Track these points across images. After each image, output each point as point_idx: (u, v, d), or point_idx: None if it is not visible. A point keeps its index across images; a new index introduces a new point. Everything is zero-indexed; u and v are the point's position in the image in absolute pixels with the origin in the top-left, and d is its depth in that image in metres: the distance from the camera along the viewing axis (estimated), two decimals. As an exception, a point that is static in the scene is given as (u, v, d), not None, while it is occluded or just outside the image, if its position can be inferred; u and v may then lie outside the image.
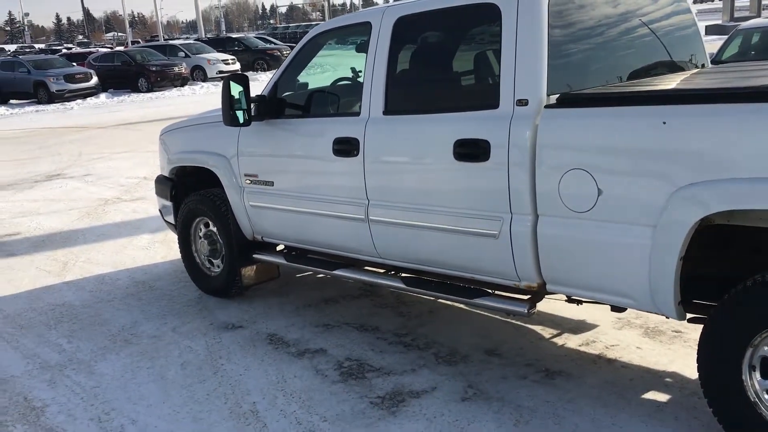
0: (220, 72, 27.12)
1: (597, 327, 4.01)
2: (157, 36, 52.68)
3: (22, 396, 3.74)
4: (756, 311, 2.59)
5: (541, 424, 3.08)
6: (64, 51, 42.84)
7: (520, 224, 3.15)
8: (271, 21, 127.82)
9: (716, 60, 9.41)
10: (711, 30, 26.84)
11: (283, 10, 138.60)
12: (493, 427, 3.08)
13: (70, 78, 24.39)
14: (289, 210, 4.28)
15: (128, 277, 5.65)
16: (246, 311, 4.71)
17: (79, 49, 45.98)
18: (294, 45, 4.52)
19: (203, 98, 21.47)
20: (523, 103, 3.11)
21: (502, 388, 3.42)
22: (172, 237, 6.12)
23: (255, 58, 30.94)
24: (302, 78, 4.57)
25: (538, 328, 4.08)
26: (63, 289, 5.45)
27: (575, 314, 4.14)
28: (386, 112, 3.70)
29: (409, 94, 3.77)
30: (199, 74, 28.11)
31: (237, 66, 28.01)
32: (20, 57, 30.25)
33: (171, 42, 35.07)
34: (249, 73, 26.63)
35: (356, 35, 4.19)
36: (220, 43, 32.54)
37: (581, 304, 3.46)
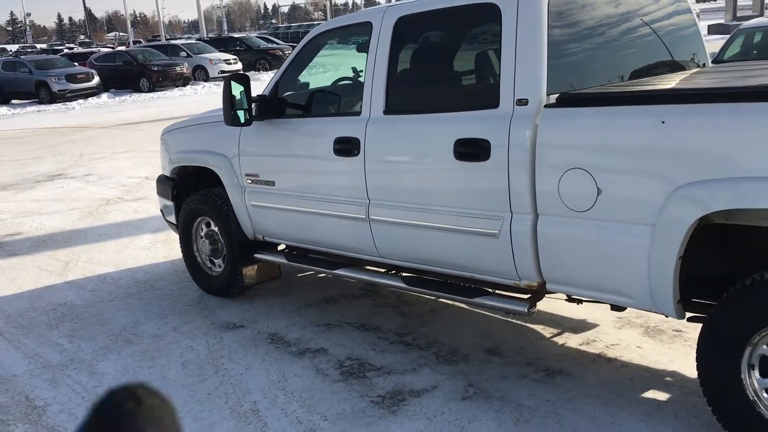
0: (222, 72, 27.12)
1: (597, 326, 4.02)
2: (159, 36, 52.72)
3: (23, 395, 3.75)
4: (755, 310, 2.59)
5: (541, 423, 3.09)
6: (66, 51, 42.90)
7: (520, 223, 3.15)
8: (273, 21, 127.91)
9: (718, 59, 9.40)
10: (713, 29, 26.82)
11: (285, 9, 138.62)
12: (493, 426, 3.09)
13: (71, 78, 24.41)
14: (290, 210, 4.29)
15: (130, 276, 5.66)
16: (247, 311, 4.72)
17: (80, 49, 46.04)
18: (296, 45, 4.52)
19: (205, 98, 21.48)
20: (523, 102, 3.12)
21: (503, 387, 3.42)
22: (174, 237, 6.13)
23: (257, 58, 30.96)
24: (303, 78, 4.58)
25: (538, 328, 4.08)
26: (64, 288, 5.47)
27: (576, 313, 4.15)
28: (387, 112, 3.70)
29: (409, 94, 3.78)
30: (200, 74, 28.13)
31: (239, 66, 28.02)
32: (22, 57, 30.28)
33: (173, 42, 35.11)
34: (251, 73, 26.64)
35: (357, 35, 4.20)
36: (221, 43, 32.55)
37: (581, 303, 3.47)
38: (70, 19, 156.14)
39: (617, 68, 3.53)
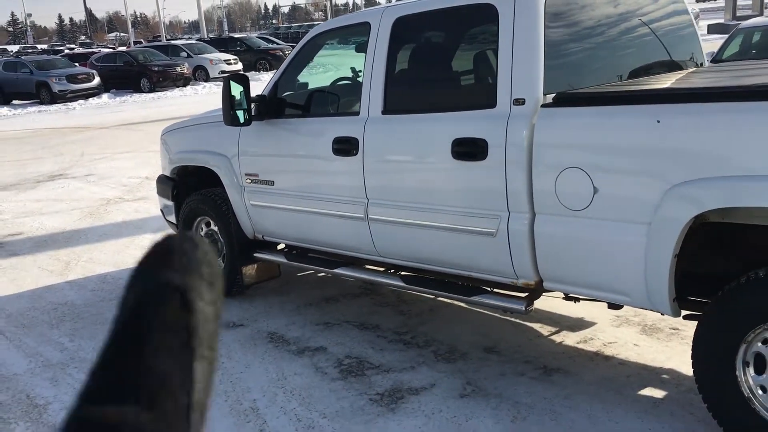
0: (223, 72, 27.13)
1: (595, 324, 4.04)
2: (160, 36, 52.78)
3: (24, 394, 3.78)
4: (749, 307, 2.62)
5: (538, 420, 3.11)
6: (67, 51, 42.95)
7: (518, 222, 3.17)
8: (274, 21, 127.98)
9: (716, 59, 9.41)
10: (713, 29, 26.83)
11: (286, 10, 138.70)
12: (490, 423, 3.11)
13: (72, 78, 24.43)
14: (289, 209, 4.32)
15: (130, 276, 5.68)
16: (247, 310, 4.74)
17: (81, 50, 46.09)
18: (296, 45, 4.55)
19: (205, 98, 21.51)
20: (520, 102, 3.14)
21: (500, 385, 3.45)
22: (174, 236, 6.14)
23: (257, 58, 30.98)
24: (302, 78, 4.60)
25: (536, 326, 4.10)
26: (65, 288, 5.49)
27: (573, 312, 4.17)
28: (385, 112, 3.73)
29: (407, 94, 3.80)
30: (201, 74, 28.14)
31: (239, 66, 28.04)
32: (23, 57, 30.32)
33: (173, 42, 35.13)
34: (251, 73, 26.66)
35: (355, 35, 4.22)
36: (222, 43, 32.57)
37: (578, 301, 3.49)
38: (71, 19, 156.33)
39: (614, 68, 3.56)
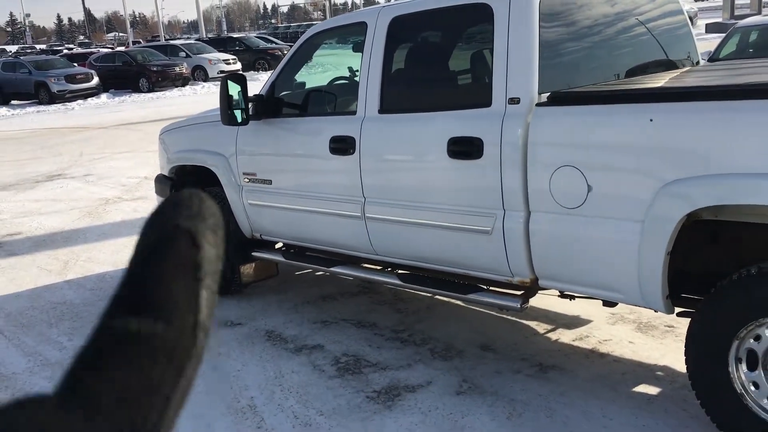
0: (221, 72, 27.11)
1: (591, 322, 4.06)
2: (158, 36, 52.79)
3: (23, 392, 3.79)
4: (742, 304, 2.64)
5: (533, 416, 3.14)
6: (65, 51, 42.93)
7: (513, 220, 3.20)
8: (273, 21, 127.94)
9: (713, 58, 9.43)
10: (711, 28, 26.85)
11: (285, 9, 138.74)
12: (486, 420, 3.14)
13: (71, 78, 24.45)
14: (287, 208, 4.34)
15: (129, 275, 5.70)
16: (245, 308, 4.77)
17: (80, 50, 46.08)
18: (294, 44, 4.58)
19: (204, 98, 21.52)
20: (515, 101, 3.16)
21: (496, 382, 3.47)
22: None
23: (256, 58, 30.99)
24: (299, 77, 4.62)
25: (533, 324, 4.13)
26: (64, 287, 5.51)
27: (569, 310, 4.20)
28: (382, 111, 3.75)
29: (403, 93, 3.82)
30: (200, 74, 28.16)
31: (238, 66, 28.06)
32: (21, 58, 30.33)
33: (172, 42, 35.13)
34: (250, 73, 26.67)
35: (352, 35, 4.25)
36: (221, 43, 32.58)
37: (573, 299, 3.51)
38: (70, 19, 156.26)
39: (609, 67, 3.58)
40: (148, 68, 26.17)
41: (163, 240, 0.31)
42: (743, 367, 2.70)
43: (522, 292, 3.41)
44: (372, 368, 3.74)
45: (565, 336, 3.93)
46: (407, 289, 4.22)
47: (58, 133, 16.17)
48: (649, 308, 2.92)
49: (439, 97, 3.69)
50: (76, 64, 27.23)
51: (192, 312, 0.30)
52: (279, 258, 4.62)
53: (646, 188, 2.73)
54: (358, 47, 4.01)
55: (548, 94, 3.11)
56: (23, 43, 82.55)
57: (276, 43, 34.20)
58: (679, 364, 3.43)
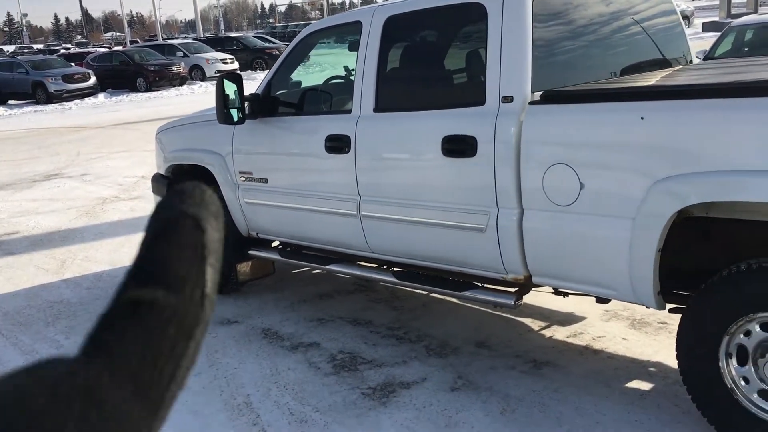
0: (219, 71, 27.13)
1: (585, 319, 4.09)
2: (156, 36, 52.75)
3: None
4: (732, 300, 2.67)
5: (526, 412, 3.16)
6: (63, 51, 42.89)
7: (506, 218, 3.22)
8: (270, 20, 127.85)
9: (709, 57, 9.46)
10: (708, 27, 26.91)
11: (282, 9, 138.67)
12: (480, 416, 3.16)
13: (68, 78, 24.44)
14: (283, 206, 4.36)
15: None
16: (241, 307, 4.79)
17: (77, 49, 46.03)
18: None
19: (201, 98, 21.52)
20: (508, 99, 3.19)
21: (491, 379, 3.50)
22: (169, 235, 6.19)
23: (253, 57, 30.98)
24: (295, 77, 4.65)
25: (527, 321, 4.16)
26: (61, 286, 5.53)
27: (564, 307, 4.22)
28: (377, 110, 3.77)
29: (398, 92, 3.85)
30: (197, 74, 28.16)
31: (235, 65, 28.05)
32: (18, 57, 30.30)
33: (169, 41, 35.11)
34: (248, 72, 26.69)
35: (347, 34, 4.27)
36: (218, 43, 32.58)
37: (567, 296, 3.54)
38: (67, 19, 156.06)
39: (602, 66, 3.61)
40: (146, 68, 26.17)
41: (171, 223, 0.34)
42: (733, 362, 2.73)
43: (516, 289, 3.43)
44: (367, 365, 3.77)
45: (559, 333, 3.96)
46: (403, 287, 4.25)
47: (55, 133, 16.17)
48: (641, 304, 2.95)
49: (433, 96, 3.71)
50: (73, 64, 27.21)
51: (199, 286, 0.33)
52: (275, 256, 4.65)
53: (638, 186, 2.75)
54: (354, 46, 4.03)
55: (541, 92, 3.13)
56: (20, 43, 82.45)
57: (273, 43, 34.20)
58: (672, 361, 3.44)
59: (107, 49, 37.65)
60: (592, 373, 3.47)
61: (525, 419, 3.11)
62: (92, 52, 32.94)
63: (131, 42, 51.17)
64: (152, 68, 26.18)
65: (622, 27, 3.77)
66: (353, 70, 4.00)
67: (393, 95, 3.81)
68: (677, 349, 2.87)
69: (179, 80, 26.48)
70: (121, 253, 6.33)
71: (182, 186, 0.35)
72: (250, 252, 4.77)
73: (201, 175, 4.91)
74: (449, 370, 3.62)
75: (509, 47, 3.21)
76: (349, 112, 3.91)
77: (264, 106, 4.36)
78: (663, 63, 3.95)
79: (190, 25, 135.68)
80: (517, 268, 3.28)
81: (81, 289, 5.43)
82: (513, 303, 3.37)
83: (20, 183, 10.30)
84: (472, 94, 3.40)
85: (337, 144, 3.90)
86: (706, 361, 2.76)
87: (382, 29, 3.79)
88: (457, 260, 3.54)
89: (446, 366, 3.68)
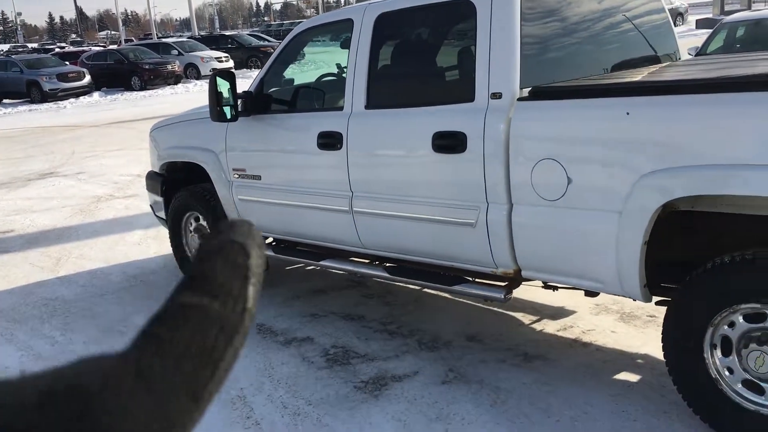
0: (214, 70, 27.07)
1: (575, 313, 4.14)
2: (151, 34, 52.62)
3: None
4: (716, 292, 2.72)
5: (516, 404, 3.21)
6: (57, 50, 42.78)
7: (496, 213, 3.27)
8: (266, 18, 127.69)
9: (701, 53, 9.52)
10: (701, 24, 26.98)
11: (278, 7, 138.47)
12: (470, 408, 3.21)
13: (62, 77, 24.40)
14: (276, 203, 4.40)
15: (120, 272, 5.76)
16: (236, 303, 4.81)
17: (72, 48, 45.92)
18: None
19: (196, 96, 21.51)
20: (497, 96, 3.23)
21: (482, 372, 3.54)
22: (165, 233, 6.21)
23: (248, 56, 30.97)
24: (288, 74, 4.68)
25: (518, 315, 4.20)
26: (56, 284, 5.56)
27: (554, 301, 4.27)
28: (368, 107, 3.81)
29: (389, 89, 3.89)
30: (192, 72, 28.14)
31: (230, 63, 28.02)
32: (13, 56, 30.23)
33: (164, 40, 35.07)
34: (243, 71, 26.68)
35: (339, 32, 4.30)
36: (213, 41, 32.56)
37: (557, 290, 3.58)
38: (61, 18, 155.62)
39: (590, 63, 3.65)
40: (141, 66, 26.14)
41: (222, 246, 0.39)
42: (718, 353, 2.78)
43: (506, 283, 3.48)
44: (360, 359, 3.81)
45: (549, 326, 4.01)
46: (395, 282, 4.29)
47: (50, 132, 16.17)
48: (628, 297, 3.00)
49: (424, 93, 3.75)
50: (67, 63, 27.17)
51: (241, 300, 0.38)
52: (269, 253, 4.68)
53: (624, 180, 2.80)
54: (346, 44, 4.06)
55: (529, 89, 3.17)
56: (15, 42, 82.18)
57: (268, 41, 34.18)
58: (660, 352, 3.47)
59: (102, 48, 37.59)
60: (581, 365, 3.52)
61: (515, 411, 3.16)
62: (87, 51, 32.87)
63: (126, 40, 51.09)
64: (147, 67, 26.16)
65: (610, 24, 3.81)
66: (345, 67, 4.03)
67: (384, 92, 3.84)
68: (663, 341, 2.92)
69: (174, 79, 26.47)
70: (116, 250, 6.35)
71: (233, 220, 0.41)
72: (244, 248, 4.79)
73: (195, 172, 4.95)
74: (441, 364, 3.67)
75: (498, 44, 3.25)
76: (341, 109, 3.94)
77: (257, 103, 4.39)
78: (651, 60, 4.00)
79: (185, 24, 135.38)
80: (506, 262, 3.32)
81: (76, 286, 5.46)
82: (503, 297, 3.41)
83: (15, 182, 10.32)
84: (462, 90, 3.44)
85: (329, 141, 3.93)
86: (691, 352, 2.80)
87: (373, 27, 3.82)
88: (448, 255, 3.58)
89: (438, 359, 3.72)
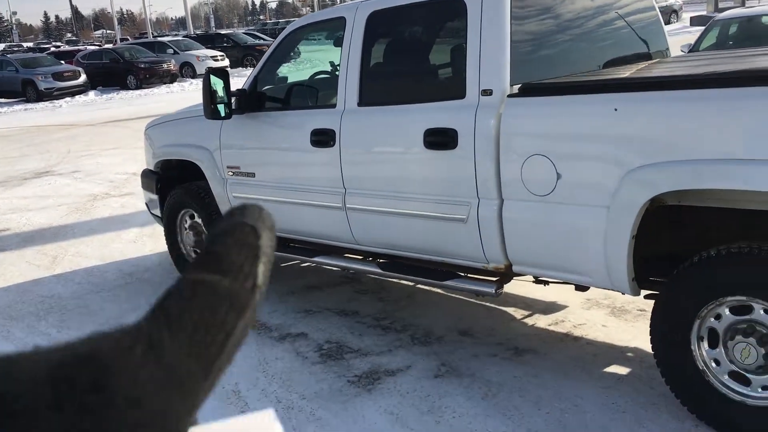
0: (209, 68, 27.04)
1: (566, 307, 4.18)
2: (146, 33, 52.57)
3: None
4: (702, 285, 2.76)
5: (507, 396, 3.25)
6: (53, 49, 42.69)
7: (487, 208, 3.31)
8: (261, 17, 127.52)
9: (693, 50, 9.57)
10: (696, 21, 27.03)
11: (273, 5, 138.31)
12: (462, 401, 3.25)
13: (58, 76, 24.38)
14: (270, 200, 4.42)
15: (116, 269, 5.78)
16: (231, 299, 4.84)
17: (67, 47, 45.82)
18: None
19: (192, 95, 21.50)
20: (487, 93, 3.27)
21: (473, 365, 3.58)
22: (161, 230, 6.24)
23: (244, 54, 30.97)
24: (281, 72, 4.71)
25: (510, 310, 4.24)
26: (52, 281, 5.59)
27: (546, 296, 4.31)
28: (360, 104, 3.85)
29: (382, 86, 3.93)
30: (188, 71, 28.15)
31: (226, 62, 28.02)
32: (8, 56, 30.17)
33: (159, 39, 35.07)
34: (238, 69, 26.70)
35: (332, 30, 4.34)
36: (209, 40, 32.56)
37: (548, 284, 3.63)
38: (57, 17, 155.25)
39: (580, 60, 3.69)
40: (136, 65, 26.13)
41: (232, 228, 0.41)
42: (705, 345, 2.82)
43: (497, 278, 3.52)
44: (354, 354, 3.85)
45: (541, 321, 4.05)
46: (388, 278, 4.33)
47: (45, 131, 16.17)
48: (617, 291, 3.04)
49: (415, 90, 3.78)
50: (63, 62, 27.14)
51: (252, 277, 0.39)
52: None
53: (612, 175, 2.84)
54: (339, 42, 4.10)
55: (519, 85, 3.21)
56: (10, 42, 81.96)
57: (264, 39, 34.17)
58: (649, 346, 3.54)
59: (97, 47, 37.52)
60: (571, 359, 3.56)
61: (505, 403, 3.20)
62: (82, 50, 32.83)
63: (121, 39, 51.02)
64: (142, 66, 26.15)
65: (601, 22, 3.85)
66: (338, 65, 4.07)
67: (376, 89, 3.88)
68: (651, 334, 2.96)
69: (170, 77, 26.46)
70: (112, 248, 6.38)
71: (244, 205, 0.43)
72: (238, 245, 4.82)
73: (189, 170, 4.98)
74: (433, 358, 3.71)
75: (488, 42, 3.29)
76: (333, 106, 3.98)
77: (250, 101, 4.42)
78: (641, 57, 4.04)
79: (181, 23, 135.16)
80: (497, 257, 3.36)
81: (72, 284, 5.49)
82: (494, 291, 3.45)
83: (11, 180, 10.33)
84: (453, 87, 3.48)
85: (323, 138, 3.97)
86: (679, 344, 2.85)
87: (365, 25, 3.86)
88: (440, 251, 3.62)
89: (430, 354, 3.76)
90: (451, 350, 3.78)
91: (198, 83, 25.58)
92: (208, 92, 4.19)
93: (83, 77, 25.11)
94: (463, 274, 3.66)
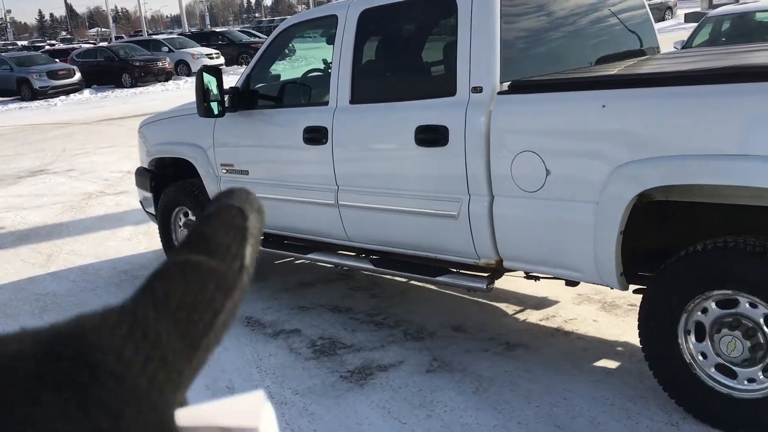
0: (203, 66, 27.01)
1: (557, 303, 4.22)
2: (141, 31, 52.46)
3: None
4: (689, 279, 2.79)
5: (498, 391, 3.29)
6: (47, 47, 42.59)
7: (478, 205, 3.34)
8: (257, 14, 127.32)
9: (687, 47, 9.61)
10: (690, 18, 27.07)
11: (269, 3, 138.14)
12: (453, 395, 3.28)
13: (53, 74, 24.35)
14: (263, 197, 4.45)
15: (111, 267, 5.80)
16: (225, 296, 4.86)
17: (62, 46, 45.73)
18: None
19: (187, 93, 21.43)
20: (477, 90, 3.30)
21: (465, 361, 3.62)
22: (155, 228, 6.26)
23: (239, 52, 30.93)
24: (274, 70, 4.73)
25: (502, 306, 4.28)
26: (47, 279, 5.60)
27: (538, 291, 4.35)
28: (353, 101, 3.87)
29: (373, 84, 3.95)
30: (183, 69, 28.11)
31: (221, 60, 28.01)
32: (2, 54, 30.08)
33: (154, 37, 34.98)
34: (233, 67, 26.67)
35: (324, 28, 4.37)
36: (204, 38, 32.52)
37: (539, 279, 3.66)
38: (51, 15, 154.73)
39: (570, 57, 3.72)
40: (131, 63, 26.10)
41: (219, 210, 0.41)
42: (692, 338, 2.86)
43: (488, 273, 3.55)
44: (346, 350, 3.88)
45: (532, 316, 4.08)
46: (381, 274, 4.36)
47: (40, 129, 16.15)
48: (606, 285, 3.07)
49: (406, 87, 3.82)
50: (58, 60, 27.08)
51: (239, 258, 0.39)
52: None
53: (600, 171, 2.87)
54: (331, 40, 4.12)
55: (509, 83, 3.24)
56: (4, 40, 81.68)
57: (259, 37, 34.09)
58: (638, 340, 3.59)
59: (92, 45, 37.46)
60: (562, 353, 3.60)
61: (496, 397, 3.23)
62: (77, 48, 32.75)
63: (116, 37, 50.87)
64: (137, 64, 26.11)
65: (590, 20, 3.88)
66: (330, 62, 4.09)
67: (368, 87, 3.91)
68: (639, 328, 2.99)
69: (165, 76, 26.43)
70: (107, 246, 6.40)
71: (232, 189, 0.43)
72: (232, 243, 4.84)
73: (183, 168, 5.00)
74: (425, 353, 3.74)
75: (478, 39, 3.32)
76: (326, 104, 4.00)
77: (243, 99, 4.45)
78: (631, 54, 4.07)
79: (176, 20, 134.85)
80: (488, 253, 3.39)
81: (67, 281, 5.51)
82: (485, 287, 3.48)
83: (5, 179, 10.32)
84: (444, 85, 3.51)
85: (315, 135, 3.99)
86: (666, 338, 2.88)
87: (357, 22, 3.88)
88: (432, 247, 3.65)
89: (423, 349, 3.79)
90: (443, 345, 3.81)
91: (193, 81, 25.53)
92: (202, 90, 4.21)
93: (78, 75, 25.07)
94: (455, 270, 3.69)
